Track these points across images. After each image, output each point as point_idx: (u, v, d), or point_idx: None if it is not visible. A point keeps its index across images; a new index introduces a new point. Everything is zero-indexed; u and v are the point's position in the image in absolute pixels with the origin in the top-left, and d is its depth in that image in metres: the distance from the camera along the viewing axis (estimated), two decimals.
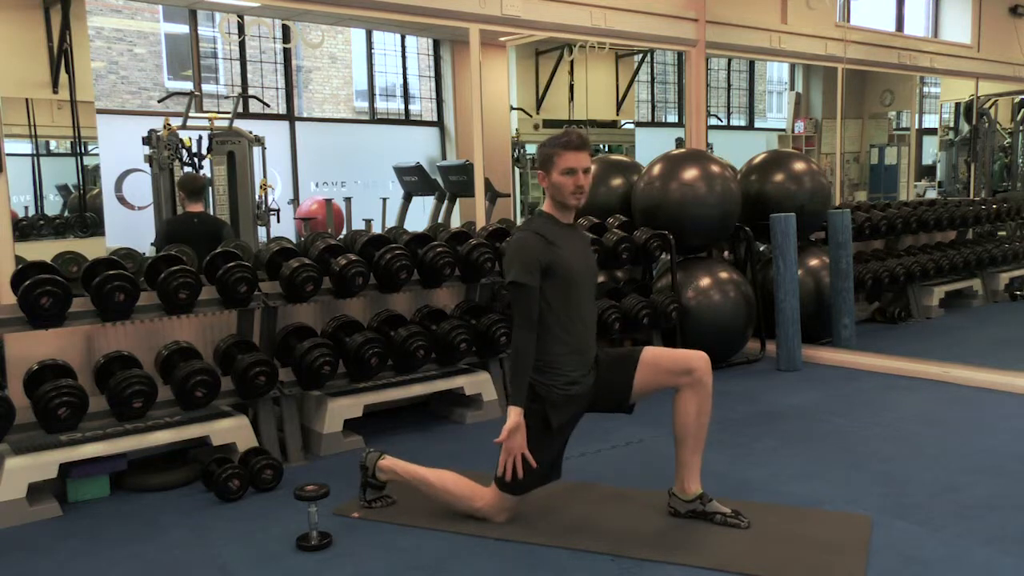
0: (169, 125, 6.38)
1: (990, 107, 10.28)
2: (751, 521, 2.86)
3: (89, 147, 5.69)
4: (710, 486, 2.95)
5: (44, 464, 3.24)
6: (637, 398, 2.94)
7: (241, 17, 7.01)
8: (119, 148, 6.81)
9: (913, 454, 3.63)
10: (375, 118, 10.25)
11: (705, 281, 5.33)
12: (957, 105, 10.64)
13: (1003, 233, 8.39)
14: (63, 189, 5.81)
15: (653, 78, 10.37)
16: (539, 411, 2.80)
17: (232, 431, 3.64)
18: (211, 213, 6.05)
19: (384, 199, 8.70)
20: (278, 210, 7.26)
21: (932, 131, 11.03)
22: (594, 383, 2.91)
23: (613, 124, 9.31)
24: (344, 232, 7.57)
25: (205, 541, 2.96)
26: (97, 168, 5.97)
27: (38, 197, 5.61)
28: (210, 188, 6.40)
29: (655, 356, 2.90)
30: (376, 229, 7.95)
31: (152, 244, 5.28)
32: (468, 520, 2.99)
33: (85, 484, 3.39)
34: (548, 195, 2.87)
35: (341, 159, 9.31)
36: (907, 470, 3.43)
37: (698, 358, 2.86)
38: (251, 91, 8.82)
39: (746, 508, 2.93)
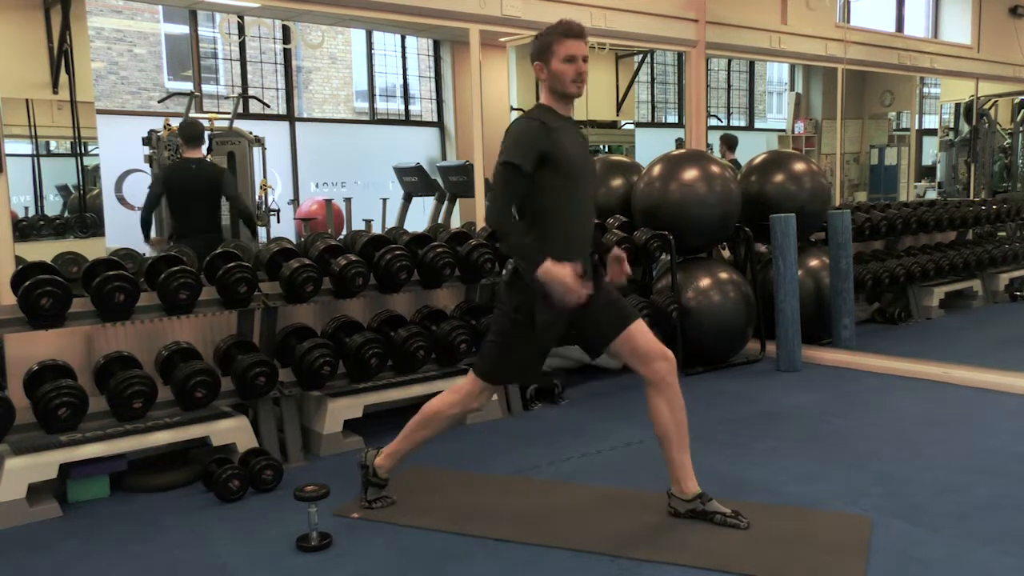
0: (169, 125, 6.38)
1: (990, 108, 10.28)
2: (751, 521, 2.86)
3: (89, 147, 5.69)
4: (710, 486, 2.95)
5: (44, 464, 3.24)
6: (607, 352, 2.95)
7: (241, 17, 7.02)
8: (119, 148, 6.81)
9: (913, 455, 3.63)
10: (375, 118, 10.25)
11: (705, 282, 5.33)
12: (957, 106, 10.63)
13: (1003, 234, 8.38)
14: (63, 189, 5.81)
15: (653, 78, 10.38)
16: (527, 304, 2.76)
17: (232, 431, 3.64)
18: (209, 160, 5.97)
19: (384, 199, 8.70)
20: (278, 210, 7.27)
21: (932, 132, 11.02)
22: (583, 304, 2.81)
23: (613, 124, 9.31)
24: (344, 232, 7.58)
25: (205, 542, 2.96)
26: (97, 168, 5.97)
27: (38, 197, 5.61)
28: None
29: (635, 334, 2.87)
30: (376, 229, 7.95)
31: (148, 189, 5.20)
32: (468, 521, 2.99)
33: (85, 484, 3.39)
34: (546, 87, 2.83)
35: (341, 159, 9.32)
36: (907, 471, 3.43)
37: (660, 360, 2.85)
38: (251, 91, 8.83)
39: (746, 508, 2.93)
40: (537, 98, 2.95)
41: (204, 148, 5.52)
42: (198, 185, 5.02)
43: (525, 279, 2.75)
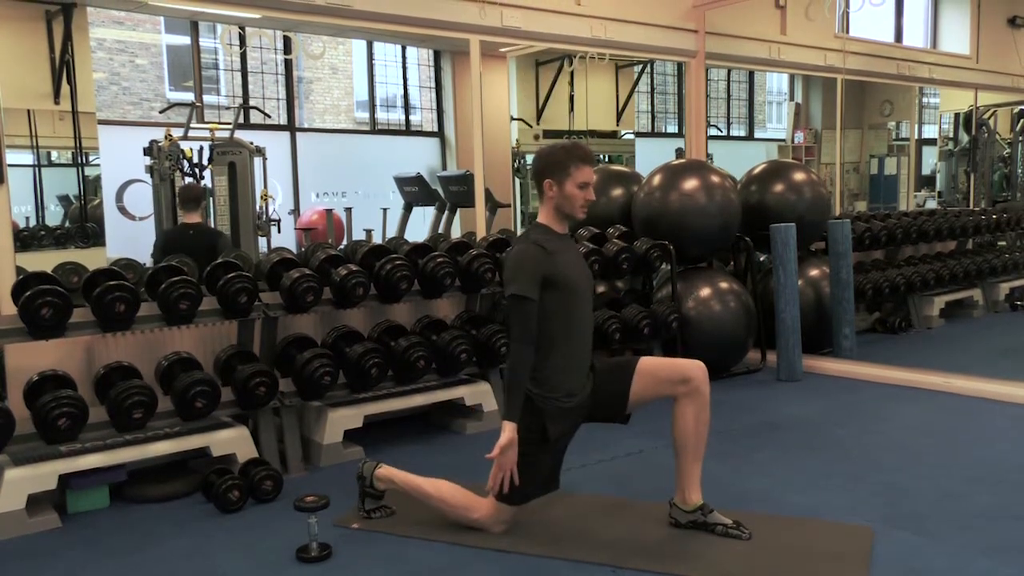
0: (170, 136, 6.40)
1: (989, 118, 10.29)
2: (752, 532, 2.85)
3: (90, 158, 5.71)
4: (711, 496, 2.95)
5: (43, 475, 3.23)
6: (634, 408, 2.93)
7: (242, 29, 7.04)
8: (120, 159, 6.82)
9: (914, 464, 3.63)
10: (376, 129, 10.27)
11: (705, 291, 5.33)
12: (956, 115, 10.64)
13: (1003, 243, 8.39)
14: (64, 199, 5.82)
15: (653, 89, 10.39)
16: (537, 423, 2.79)
17: (232, 442, 3.64)
18: (209, 224, 6.03)
19: (384, 209, 8.71)
20: (279, 220, 7.26)
21: (931, 141, 11.03)
22: (591, 393, 2.91)
23: (613, 134, 9.32)
24: (345, 242, 7.58)
25: (204, 552, 2.95)
26: (98, 178, 5.98)
27: (39, 207, 5.62)
28: (211, 198, 6.41)
29: (651, 366, 2.90)
30: (377, 239, 7.96)
31: (151, 256, 5.29)
32: (468, 531, 2.99)
33: (85, 495, 3.39)
34: (552, 205, 2.85)
35: (342, 169, 9.32)
36: (908, 480, 3.42)
37: (695, 367, 2.86)
38: (252, 102, 8.84)
39: (747, 519, 2.92)
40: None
41: (203, 212, 5.57)
42: (196, 250, 5.05)
43: (532, 399, 2.77)
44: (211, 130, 6.89)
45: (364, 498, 3.15)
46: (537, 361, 2.78)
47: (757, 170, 6.16)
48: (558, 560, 2.78)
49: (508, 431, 2.71)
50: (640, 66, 9.26)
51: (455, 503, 3.00)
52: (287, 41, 8.42)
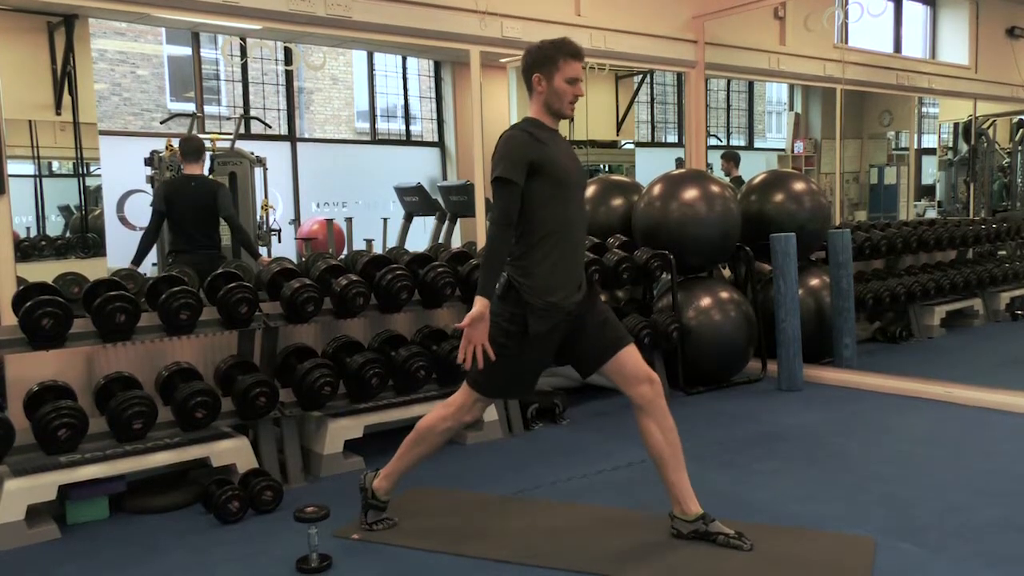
0: (171, 146, 6.41)
1: (988, 127, 10.31)
2: (754, 542, 2.84)
3: (91, 168, 5.72)
4: (712, 507, 2.94)
5: (43, 486, 3.22)
6: (597, 373, 2.96)
7: (243, 39, 7.06)
8: (121, 169, 6.84)
9: (915, 475, 3.62)
10: (376, 139, 10.30)
11: (706, 301, 5.33)
12: (956, 125, 10.66)
13: (1003, 253, 8.39)
14: (65, 210, 5.83)
15: (653, 98, 10.42)
16: (519, 316, 2.78)
17: (232, 452, 3.63)
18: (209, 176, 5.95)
19: (385, 219, 8.73)
20: (279, 230, 7.28)
21: (931, 151, 11.05)
22: (578, 321, 2.87)
23: (613, 144, 9.34)
24: (345, 252, 7.59)
25: (204, 563, 2.94)
26: (99, 189, 5.99)
27: (40, 218, 5.63)
28: None
29: (625, 357, 2.89)
30: (377, 249, 7.97)
31: (151, 204, 5.19)
32: (469, 542, 2.98)
33: (84, 506, 3.38)
34: (541, 101, 2.85)
35: (342, 179, 9.35)
36: (910, 491, 3.41)
37: (647, 380, 2.87)
38: (253, 112, 8.88)
39: (748, 529, 2.91)
40: None
41: (204, 164, 5.50)
42: (197, 201, 4.99)
43: (519, 290, 2.77)
44: (212, 140, 6.91)
45: (367, 510, 3.14)
46: (526, 251, 2.77)
47: (757, 180, 6.17)
48: (560, 571, 2.77)
49: (479, 304, 2.69)
50: (640, 76, 9.29)
51: (434, 421, 3.03)
52: (288, 52, 8.46)
